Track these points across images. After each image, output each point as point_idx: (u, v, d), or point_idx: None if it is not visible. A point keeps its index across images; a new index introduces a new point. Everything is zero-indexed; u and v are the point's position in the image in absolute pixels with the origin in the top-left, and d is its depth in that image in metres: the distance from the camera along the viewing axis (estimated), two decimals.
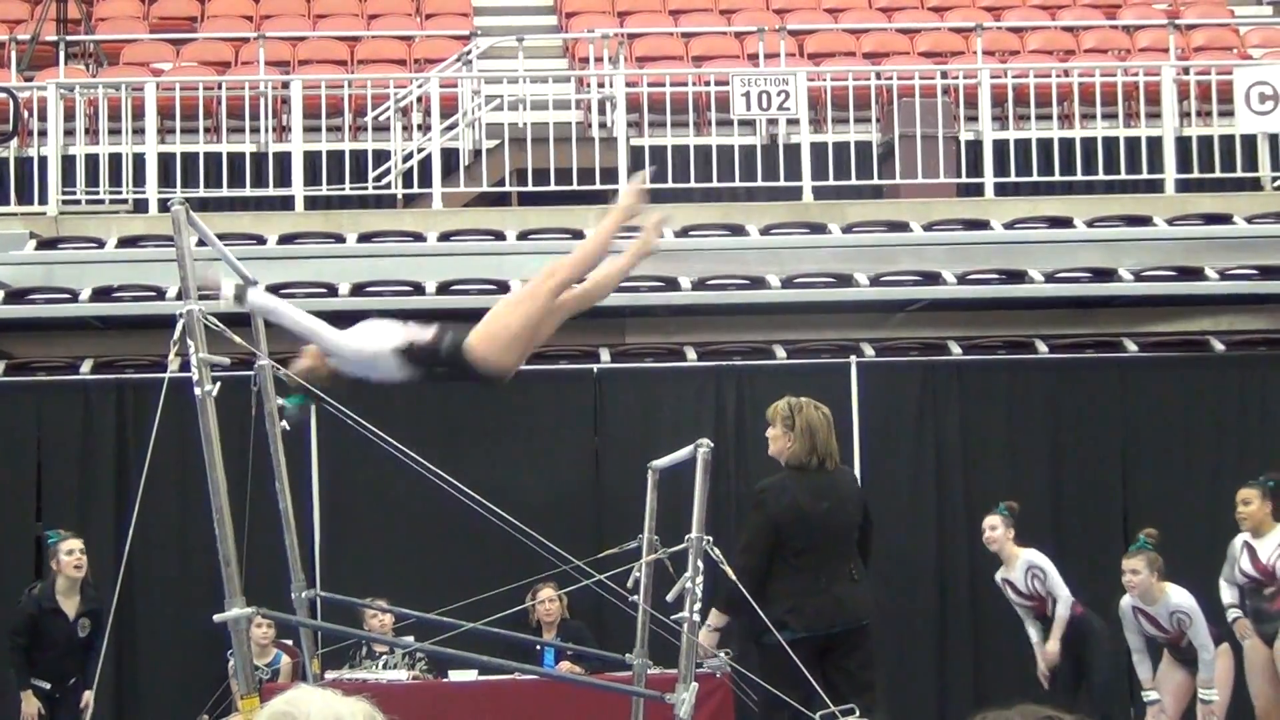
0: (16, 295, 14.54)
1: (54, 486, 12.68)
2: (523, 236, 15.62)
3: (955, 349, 14.28)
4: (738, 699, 10.41)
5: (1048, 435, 13.35)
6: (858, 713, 8.76)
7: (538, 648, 11.94)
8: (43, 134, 16.46)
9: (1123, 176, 16.84)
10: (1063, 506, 13.01)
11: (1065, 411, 13.39)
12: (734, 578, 8.64)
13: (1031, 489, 12.66)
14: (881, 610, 12.26)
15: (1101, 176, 16.88)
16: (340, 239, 15.71)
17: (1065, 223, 15.74)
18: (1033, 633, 11.66)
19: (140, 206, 16.42)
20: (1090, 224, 15.69)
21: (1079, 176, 16.92)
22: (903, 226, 15.74)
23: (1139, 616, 11.14)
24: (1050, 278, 14.65)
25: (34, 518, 12.56)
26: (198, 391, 6.84)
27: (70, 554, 11.38)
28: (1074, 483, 13.21)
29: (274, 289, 13.86)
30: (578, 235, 15.55)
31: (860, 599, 9.26)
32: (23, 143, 16.67)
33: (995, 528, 11.70)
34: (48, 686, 11.35)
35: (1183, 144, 16.93)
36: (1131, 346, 14.27)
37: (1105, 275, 14.66)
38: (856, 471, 12.63)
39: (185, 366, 6.92)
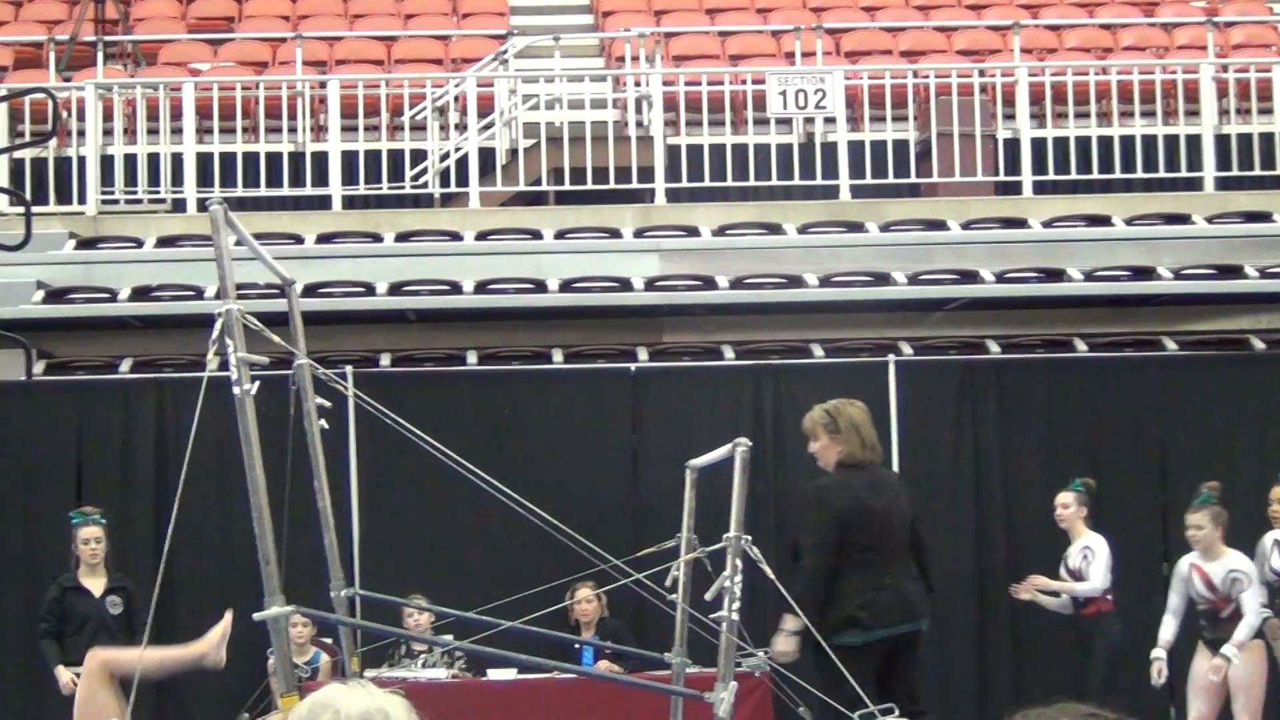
0: (56, 295, 14.60)
1: (94, 486, 12.71)
2: (560, 235, 15.63)
3: (994, 348, 14.24)
4: (777, 698, 10.38)
5: (1086, 434, 13.29)
6: (896, 712, 8.75)
7: (576, 646, 11.94)
8: (81, 134, 16.51)
9: (1161, 174, 16.77)
10: (1101, 506, 12.91)
11: (1104, 410, 13.33)
12: (803, 578, 8.67)
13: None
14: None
15: (1140, 174, 16.80)
16: (378, 238, 15.74)
17: (1104, 221, 15.68)
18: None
19: (179, 206, 16.47)
20: (1129, 222, 15.63)
21: (1117, 174, 16.85)
22: (940, 225, 15.71)
23: (1194, 574, 11.06)
24: (1089, 276, 14.61)
25: None
26: (236, 390, 6.86)
27: (86, 544, 11.42)
28: (1112, 482, 13.12)
29: (312, 288, 13.92)
30: (614, 234, 15.58)
31: (921, 596, 9.29)
32: (61, 143, 16.72)
33: (1068, 505, 11.68)
34: None
35: (1222, 142, 16.85)
36: (1171, 345, 14.22)
37: (1144, 273, 14.60)
38: (895, 470, 12.62)
39: (224, 365, 6.94)
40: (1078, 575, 11.58)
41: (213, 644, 8.52)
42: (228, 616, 8.47)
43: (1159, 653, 11.20)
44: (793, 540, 9.51)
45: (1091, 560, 11.50)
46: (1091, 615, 11.53)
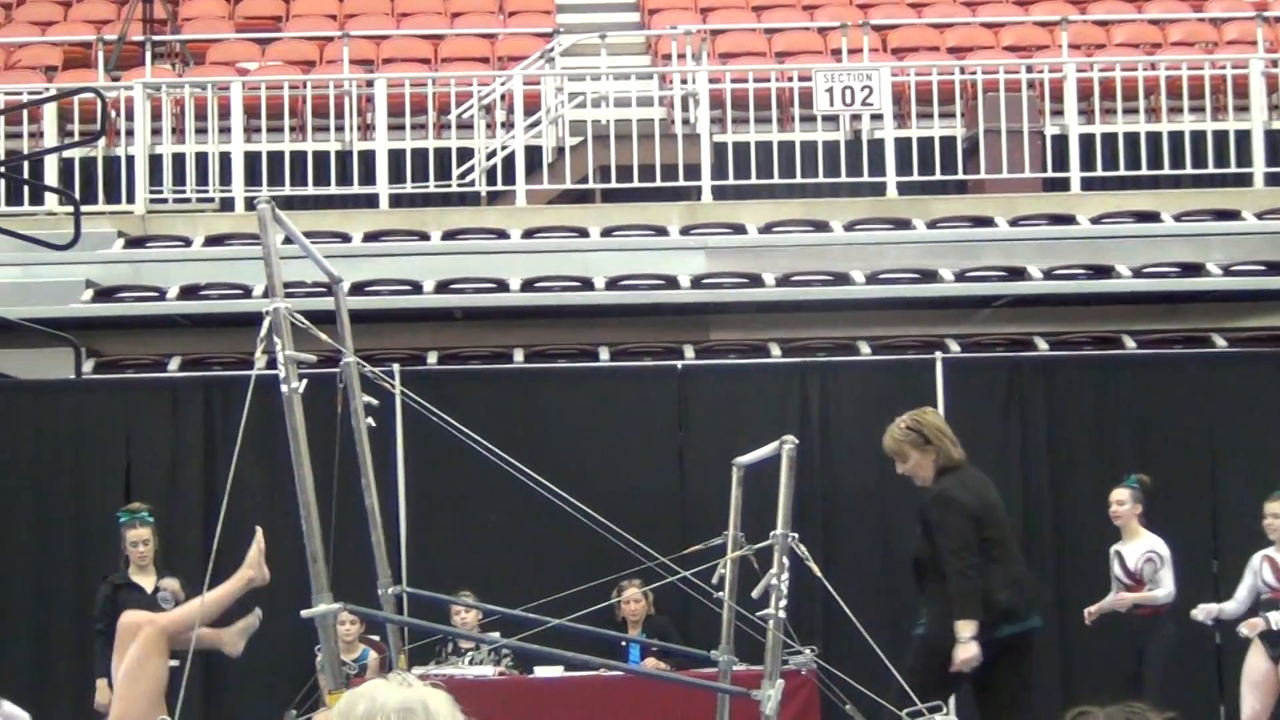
0: (105, 294, 14.67)
1: (142, 483, 12.75)
2: (606, 233, 15.63)
3: (1042, 345, 14.19)
4: (824, 696, 10.36)
5: (1135, 432, 13.21)
6: (945, 710, 8.73)
7: (623, 644, 11.95)
8: (130, 133, 16.59)
9: (1210, 170, 16.68)
10: (1150, 505, 12.85)
11: (1153, 408, 13.24)
12: (963, 580, 8.67)
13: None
14: None
15: (1189, 170, 16.72)
16: (425, 236, 15.77)
17: (1153, 217, 15.61)
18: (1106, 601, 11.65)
19: (226, 205, 16.53)
20: (1178, 218, 15.56)
21: (1166, 170, 16.77)
22: (988, 222, 15.66)
23: (1265, 565, 11.07)
24: (1138, 273, 14.55)
25: None
26: (284, 389, 6.88)
27: (135, 545, 11.40)
28: (1162, 481, 13.01)
29: (359, 286, 13.96)
30: (661, 232, 15.58)
31: (1039, 591, 9.30)
32: (110, 142, 16.80)
33: (1123, 503, 11.58)
34: None
35: (1271, 137, 16.76)
36: (1220, 342, 14.14)
37: (1193, 270, 14.53)
38: None
39: (272, 364, 6.95)
40: (1137, 576, 11.47)
41: (255, 563, 8.56)
42: (259, 532, 8.55)
43: (1212, 607, 11.20)
44: (916, 556, 9.35)
45: (1160, 566, 11.42)
46: (1146, 616, 11.46)
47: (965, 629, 8.83)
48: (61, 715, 12.44)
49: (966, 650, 8.82)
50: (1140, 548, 11.51)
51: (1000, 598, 8.87)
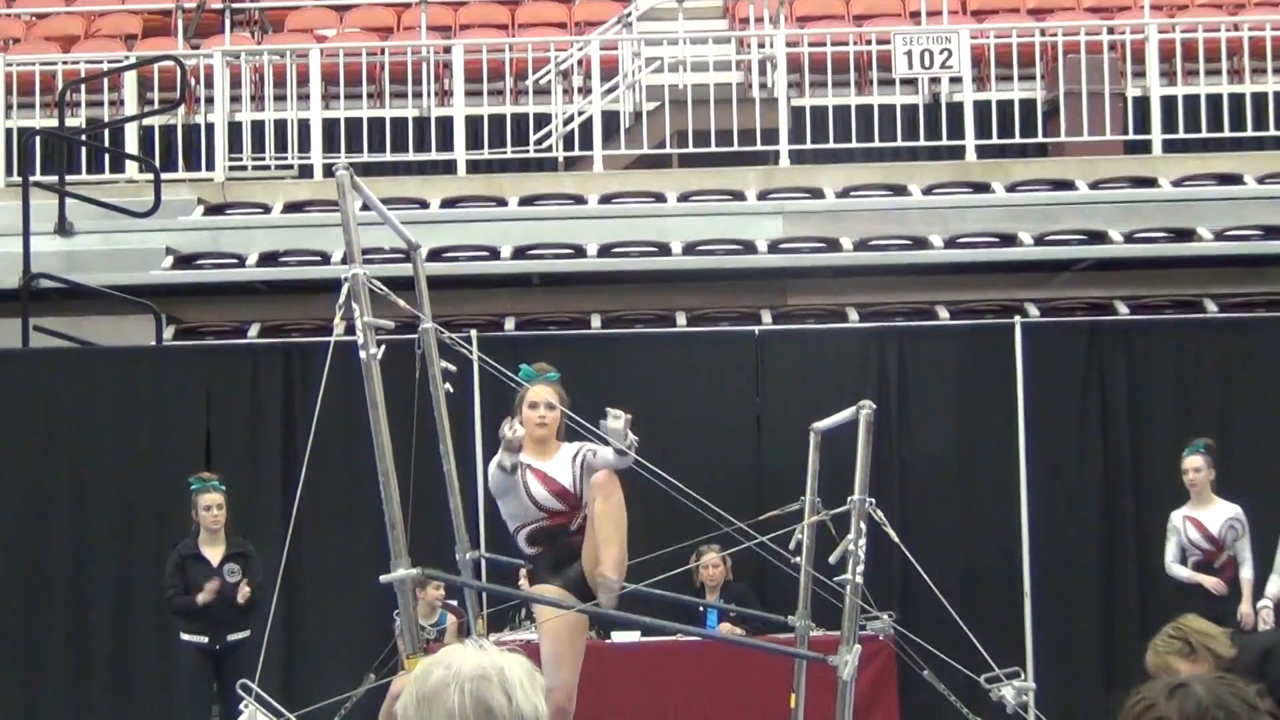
0: (185, 260, 14.77)
1: (222, 449, 12.84)
2: (683, 198, 15.61)
3: (1122, 309, 14.08)
4: (901, 661, 10.35)
5: (1217, 397, 13.09)
6: (1023, 676, 8.68)
7: (701, 609, 11.96)
8: (209, 101, 16.67)
9: None
10: (1232, 470, 12.73)
11: (1235, 372, 13.12)
12: None
13: None
14: (1047, 575, 12.19)
15: (1272, 132, 16.55)
16: (502, 202, 15.79)
17: (1235, 179, 15.46)
18: (1180, 572, 11.57)
19: (305, 172, 16.59)
20: (1261, 180, 15.40)
21: (1249, 132, 16.60)
22: (1068, 185, 15.55)
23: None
24: (1220, 235, 14.42)
25: None
26: (363, 355, 6.91)
27: (208, 509, 11.47)
28: (1243, 446, 12.94)
29: (437, 252, 14.00)
30: (738, 197, 15.55)
31: None
32: (190, 110, 16.89)
33: (1199, 469, 11.58)
34: (205, 640, 11.36)
35: None
36: None
37: (1276, 232, 14.37)
38: (1020, 436, 12.51)
39: (351, 330, 6.99)
40: (1220, 542, 11.43)
41: None
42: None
43: (1267, 601, 11.19)
44: None
45: (1241, 534, 11.43)
46: (1228, 581, 11.46)
47: None
48: (144, 678, 12.56)
49: None
50: (1221, 514, 11.46)
51: None
